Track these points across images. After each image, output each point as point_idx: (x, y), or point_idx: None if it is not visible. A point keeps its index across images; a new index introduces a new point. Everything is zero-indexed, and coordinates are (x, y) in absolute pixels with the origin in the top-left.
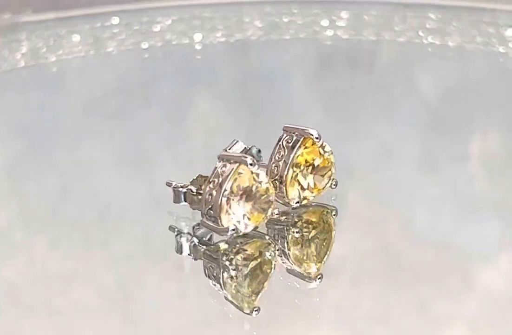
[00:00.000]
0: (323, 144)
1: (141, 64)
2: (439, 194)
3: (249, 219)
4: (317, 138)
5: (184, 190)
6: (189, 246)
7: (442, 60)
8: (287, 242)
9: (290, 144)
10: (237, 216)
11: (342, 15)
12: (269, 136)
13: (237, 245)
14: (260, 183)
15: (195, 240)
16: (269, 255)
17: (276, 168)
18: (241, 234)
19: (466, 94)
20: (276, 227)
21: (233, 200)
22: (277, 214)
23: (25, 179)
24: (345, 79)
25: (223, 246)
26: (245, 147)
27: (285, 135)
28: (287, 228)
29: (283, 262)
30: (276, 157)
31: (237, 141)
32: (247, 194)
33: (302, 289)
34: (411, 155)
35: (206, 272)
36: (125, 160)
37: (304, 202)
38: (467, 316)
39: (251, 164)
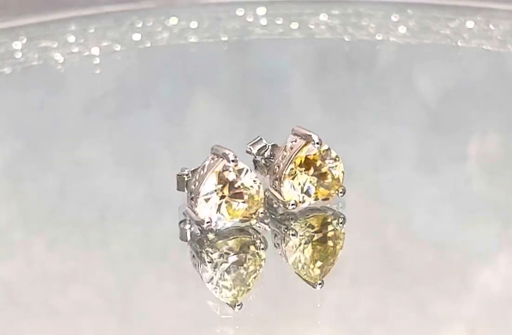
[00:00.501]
0: (327, 150)
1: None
2: (439, 195)
3: (229, 213)
4: (317, 143)
5: (187, 178)
6: (190, 234)
7: (442, 60)
8: (283, 244)
9: (294, 146)
10: (214, 209)
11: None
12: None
13: (222, 239)
14: (243, 179)
15: (197, 228)
16: (254, 253)
17: (277, 168)
18: (218, 227)
19: (465, 94)
20: (275, 227)
21: (211, 193)
22: (262, 213)
23: (25, 179)
24: None
25: (210, 237)
26: (265, 144)
27: (292, 137)
28: (285, 230)
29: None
30: (280, 158)
31: (260, 138)
32: (229, 189)
33: (302, 290)
34: (412, 156)
35: (191, 260)
36: (125, 160)
37: (303, 205)
38: (466, 316)
39: (233, 160)
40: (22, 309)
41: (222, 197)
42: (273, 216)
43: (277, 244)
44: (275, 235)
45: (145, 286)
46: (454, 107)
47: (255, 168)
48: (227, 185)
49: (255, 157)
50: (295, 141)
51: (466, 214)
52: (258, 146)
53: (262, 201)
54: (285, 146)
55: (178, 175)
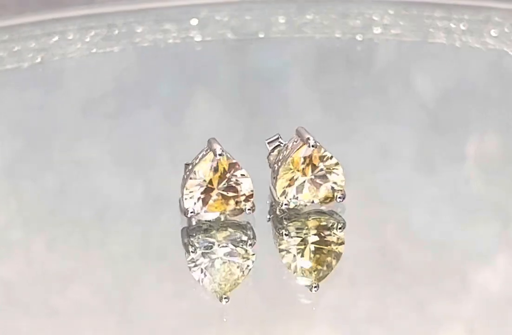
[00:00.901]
0: (327, 155)
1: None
2: (438, 195)
3: (215, 207)
4: (313, 146)
5: None
6: (196, 222)
7: (440, 60)
8: (277, 243)
9: (293, 147)
10: (199, 201)
11: None
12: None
13: (211, 231)
14: (232, 174)
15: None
16: (242, 248)
17: (276, 166)
18: (202, 219)
19: (465, 94)
20: (274, 226)
21: (198, 185)
22: (249, 209)
23: (23, 178)
24: None
25: (204, 227)
26: (279, 144)
27: (295, 137)
28: (280, 229)
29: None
30: (280, 157)
31: (277, 136)
32: (217, 183)
33: (301, 289)
34: (411, 156)
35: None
36: (124, 159)
37: (293, 206)
38: (465, 316)
39: (220, 154)
40: (21, 308)
41: (210, 189)
42: (274, 215)
43: (275, 242)
44: (274, 233)
45: (144, 285)
46: (454, 107)
47: (270, 165)
48: (215, 178)
49: (269, 154)
50: (296, 142)
51: (466, 214)
52: (274, 144)
53: (251, 197)
54: (287, 146)
55: (186, 164)
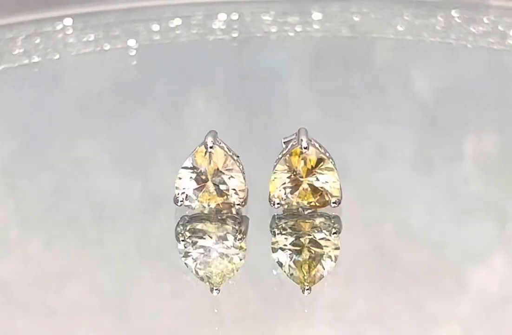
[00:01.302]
0: (320, 158)
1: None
2: (437, 194)
3: (206, 199)
4: (305, 148)
5: None
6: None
7: (439, 59)
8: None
9: (292, 148)
10: (186, 190)
11: None
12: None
13: (203, 222)
14: (224, 168)
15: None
16: (231, 241)
17: (274, 165)
18: (191, 208)
19: (463, 93)
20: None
21: (190, 175)
22: (238, 204)
23: (20, 177)
24: None
25: (196, 217)
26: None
27: (296, 137)
28: (274, 228)
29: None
30: (280, 155)
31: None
32: (211, 176)
33: (297, 289)
34: (410, 155)
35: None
36: (122, 158)
37: (286, 206)
38: (463, 316)
39: (211, 147)
40: (18, 307)
41: (203, 181)
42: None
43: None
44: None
45: (143, 284)
46: (453, 107)
47: None
48: (208, 170)
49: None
50: (295, 142)
51: (464, 214)
52: (290, 143)
53: (242, 192)
54: (287, 146)
55: None
